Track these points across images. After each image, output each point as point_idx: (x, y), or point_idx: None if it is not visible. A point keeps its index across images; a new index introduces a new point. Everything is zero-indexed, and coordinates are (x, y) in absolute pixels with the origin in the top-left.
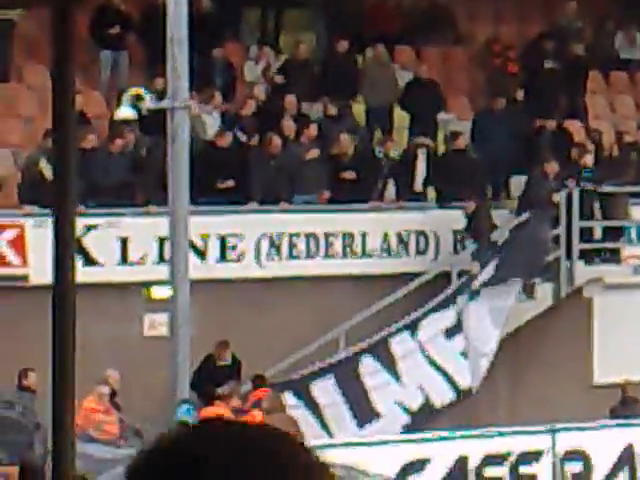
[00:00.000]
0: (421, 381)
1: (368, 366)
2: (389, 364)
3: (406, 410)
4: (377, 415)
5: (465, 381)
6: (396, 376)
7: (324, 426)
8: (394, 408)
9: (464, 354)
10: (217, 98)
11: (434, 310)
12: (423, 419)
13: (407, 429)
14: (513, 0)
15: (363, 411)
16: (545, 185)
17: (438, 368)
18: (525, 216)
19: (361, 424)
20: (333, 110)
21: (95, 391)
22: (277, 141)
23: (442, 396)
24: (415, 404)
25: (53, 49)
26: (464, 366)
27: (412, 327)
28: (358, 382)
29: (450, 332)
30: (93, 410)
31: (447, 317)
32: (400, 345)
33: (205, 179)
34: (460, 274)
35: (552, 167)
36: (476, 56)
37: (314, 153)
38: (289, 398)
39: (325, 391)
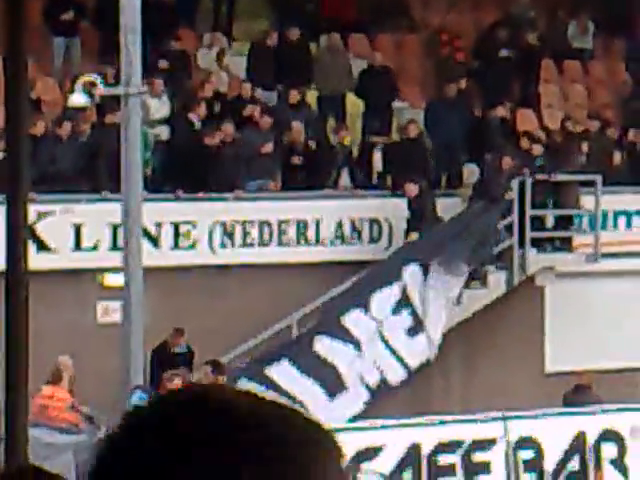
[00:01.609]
0: (376, 358)
1: (323, 344)
2: (345, 337)
3: (367, 387)
4: (343, 385)
5: (414, 361)
6: (356, 347)
7: (294, 399)
8: (357, 382)
9: (410, 331)
10: (157, 84)
11: (381, 286)
12: (380, 395)
13: (367, 406)
14: None
15: (329, 380)
16: (499, 178)
17: (389, 347)
18: (475, 206)
19: (331, 394)
20: (287, 98)
21: (49, 378)
22: (231, 129)
23: (396, 374)
24: (373, 379)
25: (5, 35)
26: (411, 344)
27: (364, 304)
28: (316, 359)
29: (397, 308)
30: (46, 397)
31: (393, 293)
32: (354, 321)
33: (162, 168)
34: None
35: (507, 161)
36: (428, 44)
37: (269, 143)
38: (244, 385)
39: (283, 373)
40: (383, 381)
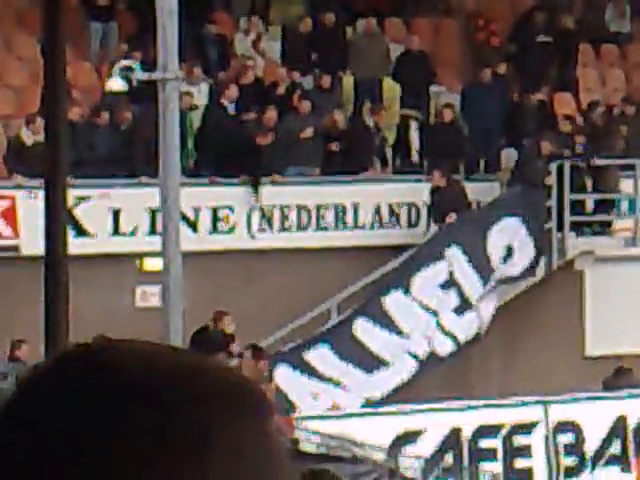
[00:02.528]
0: (424, 330)
1: (363, 327)
2: (385, 321)
3: (414, 356)
4: (384, 363)
5: (462, 335)
6: (396, 330)
7: (333, 382)
8: (400, 355)
9: (458, 310)
10: (197, 71)
11: (422, 267)
12: (431, 366)
13: (416, 374)
14: None
15: (368, 361)
16: (537, 162)
17: (436, 318)
18: (514, 190)
19: (369, 370)
20: (324, 82)
21: None
22: (273, 114)
23: (444, 346)
24: (421, 351)
25: (43, 20)
26: (458, 321)
27: (404, 285)
28: (355, 343)
29: (444, 286)
30: None
31: (439, 271)
32: (394, 302)
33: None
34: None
35: (545, 145)
36: (464, 28)
37: (309, 129)
38: (283, 370)
39: (321, 359)
40: (432, 353)
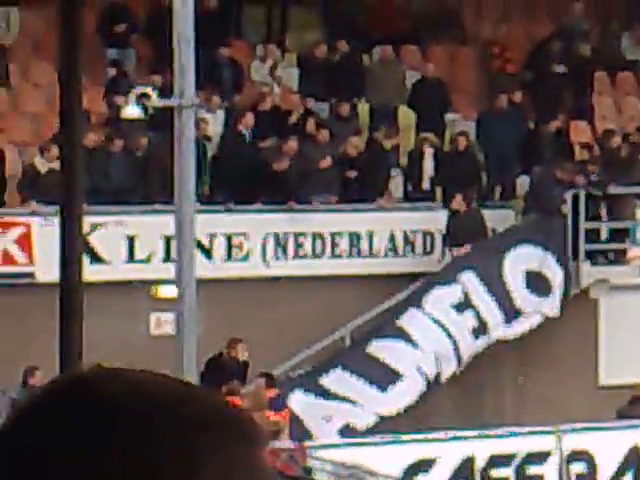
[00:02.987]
0: (435, 347)
1: (377, 345)
2: (400, 335)
3: (425, 375)
4: (398, 376)
5: (467, 354)
6: (411, 343)
7: (348, 401)
8: (412, 369)
9: (474, 332)
10: (215, 99)
11: (436, 284)
12: (433, 389)
13: (422, 396)
14: (521, 0)
15: (382, 376)
16: (553, 190)
17: (448, 334)
18: (530, 218)
19: (383, 388)
20: (341, 110)
21: None
22: (293, 143)
23: (449, 364)
24: (430, 371)
25: (60, 47)
26: (473, 344)
27: (417, 303)
28: (369, 360)
29: (459, 307)
30: None
31: (453, 293)
32: (408, 319)
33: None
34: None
35: (561, 173)
36: (480, 56)
37: (328, 157)
38: (298, 395)
39: (336, 381)
40: (437, 375)
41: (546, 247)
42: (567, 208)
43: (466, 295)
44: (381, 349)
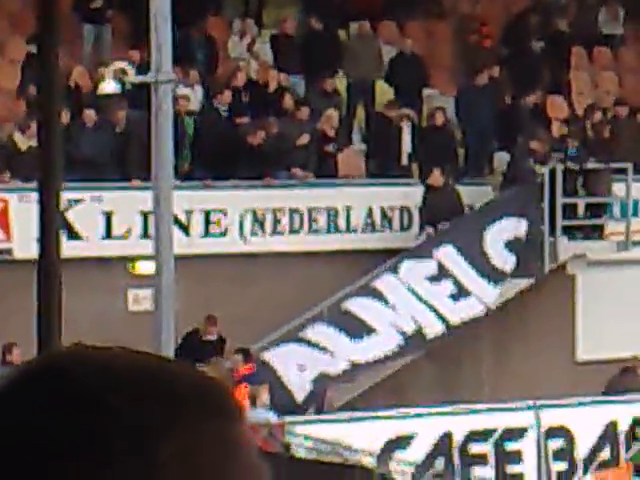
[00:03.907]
0: (412, 312)
1: (353, 303)
2: (378, 296)
3: (400, 332)
4: (372, 330)
5: (455, 318)
6: (387, 304)
7: (320, 348)
8: (388, 328)
9: (454, 296)
10: (193, 74)
11: (410, 257)
12: (415, 345)
13: (400, 350)
14: None
15: (357, 328)
16: (528, 162)
17: (426, 304)
18: (507, 193)
19: (357, 337)
20: (317, 85)
21: None
22: (271, 119)
23: (433, 327)
24: (408, 328)
25: (37, 23)
26: (453, 306)
27: (393, 269)
28: (345, 314)
29: (434, 278)
30: None
31: (427, 266)
32: (384, 284)
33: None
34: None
35: (537, 144)
36: (457, 31)
37: (305, 135)
38: (280, 348)
39: (316, 332)
40: (418, 331)
41: (521, 216)
42: (544, 184)
43: (443, 267)
44: (356, 305)
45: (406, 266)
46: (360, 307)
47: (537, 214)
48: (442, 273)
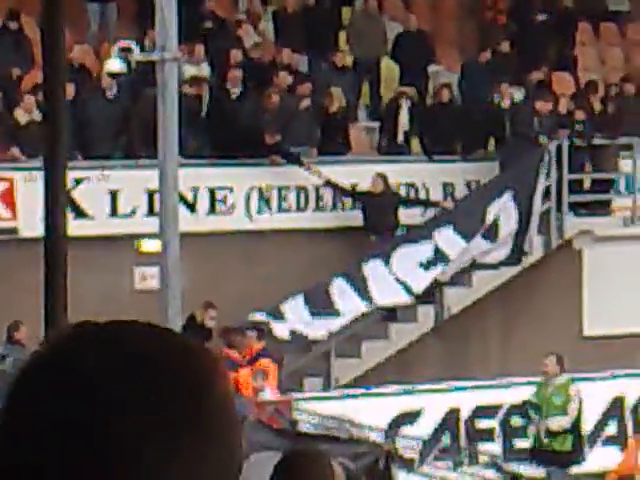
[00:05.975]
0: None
1: (339, 286)
2: (359, 285)
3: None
4: (335, 312)
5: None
6: (364, 297)
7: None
8: (354, 307)
9: (428, 264)
10: (197, 51)
11: (408, 241)
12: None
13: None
14: None
15: (321, 306)
16: (532, 118)
17: (407, 289)
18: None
19: (316, 315)
20: (322, 62)
21: None
22: (275, 96)
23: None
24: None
25: (42, 1)
26: (422, 274)
27: (385, 257)
28: (325, 296)
29: (428, 264)
30: None
31: (423, 250)
32: (372, 270)
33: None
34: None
35: (543, 105)
36: (466, 7)
37: (307, 107)
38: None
39: (294, 308)
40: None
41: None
42: (551, 159)
43: (437, 249)
44: (341, 291)
45: (399, 254)
46: (341, 294)
47: (529, 188)
48: (437, 257)
